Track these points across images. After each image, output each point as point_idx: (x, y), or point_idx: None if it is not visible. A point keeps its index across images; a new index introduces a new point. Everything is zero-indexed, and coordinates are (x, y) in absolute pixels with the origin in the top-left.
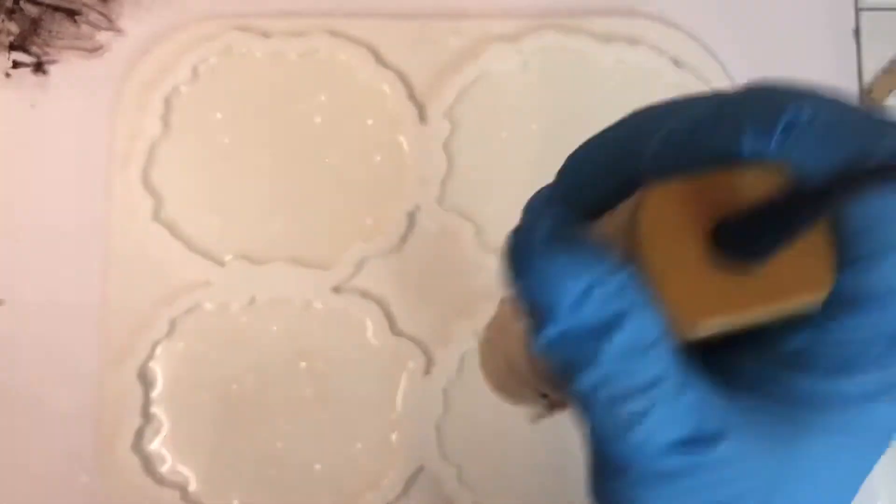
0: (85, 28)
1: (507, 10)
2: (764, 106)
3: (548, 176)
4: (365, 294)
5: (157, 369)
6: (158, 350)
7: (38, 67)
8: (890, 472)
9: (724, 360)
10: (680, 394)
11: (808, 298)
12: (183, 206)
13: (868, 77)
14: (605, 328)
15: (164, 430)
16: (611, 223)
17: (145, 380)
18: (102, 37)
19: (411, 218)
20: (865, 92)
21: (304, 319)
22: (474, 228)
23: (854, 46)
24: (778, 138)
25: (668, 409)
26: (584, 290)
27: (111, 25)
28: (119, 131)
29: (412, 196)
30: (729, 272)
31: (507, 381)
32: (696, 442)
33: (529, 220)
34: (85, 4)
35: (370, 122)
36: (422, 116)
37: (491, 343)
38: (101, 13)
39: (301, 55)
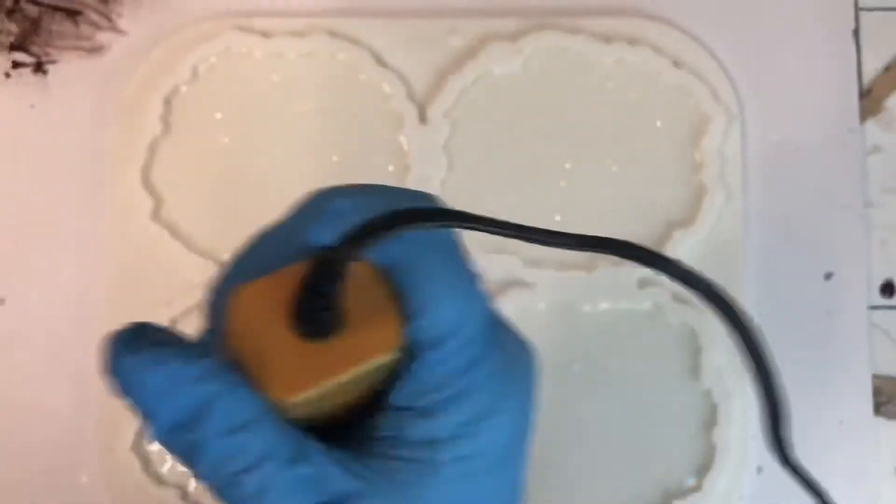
0: (85, 28)
1: (507, 10)
2: (317, 204)
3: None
4: None
5: None
6: None
7: (38, 67)
8: (890, 472)
9: (366, 427)
10: (294, 466)
11: (381, 355)
12: (183, 206)
13: (868, 77)
14: (198, 414)
15: None
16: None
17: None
18: (102, 37)
19: None
20: (865, 92)
21: None
22: None
23: (854, 46)
24: (331, 231)
25: (285, 481)
26: (167, 383)
27: (111, 25)
28: (119, 131)
29: None
30: (311, 347)
31: None
32: None
33: (111, 335)
34: (85, 5)
35: (370, 122)
36: (422, 116)
37: None
38: (101, 13)
39: (301, 55)
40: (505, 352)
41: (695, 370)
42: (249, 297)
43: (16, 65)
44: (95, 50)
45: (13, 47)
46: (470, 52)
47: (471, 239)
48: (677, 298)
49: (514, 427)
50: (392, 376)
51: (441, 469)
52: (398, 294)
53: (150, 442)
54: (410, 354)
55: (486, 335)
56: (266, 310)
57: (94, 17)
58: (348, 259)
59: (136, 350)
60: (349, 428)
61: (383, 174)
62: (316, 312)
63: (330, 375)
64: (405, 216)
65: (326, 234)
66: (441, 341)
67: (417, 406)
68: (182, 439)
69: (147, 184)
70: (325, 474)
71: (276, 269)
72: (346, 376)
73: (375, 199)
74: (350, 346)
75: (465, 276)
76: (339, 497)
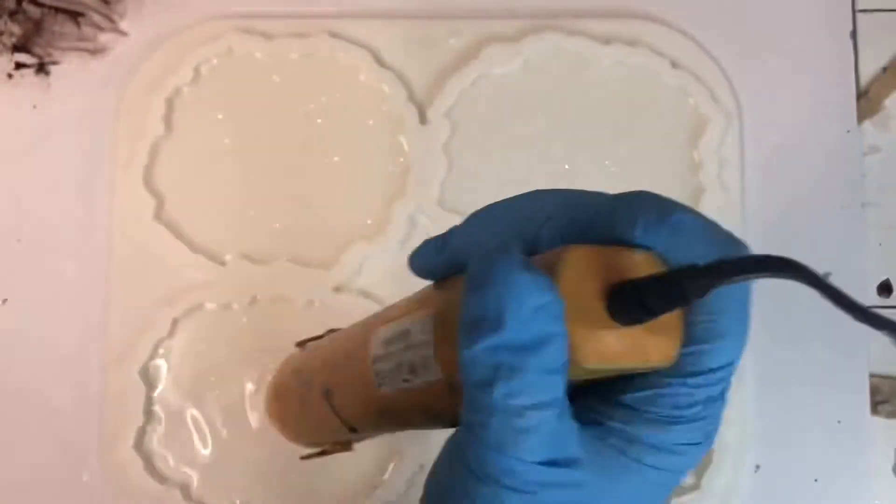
0: (87, 29)
1: (507, 10)
2: (656, 207)
3: (547, 176)
4: (366, 294)
5: (160, 368)
6: (160, 349)
7: (41, 68)
8: (888, 471)
9: (596, 409)
10: (560, 419)
11: (664, 362)
12: (184, 206)
13: (865, 79)
14: (539, 345)
15: (166, 429)
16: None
17: (147, 379)
18: (105, 38)
19: (412, 218)
20: (863, 93)
21: (305, 319)
22: None
23: (851, 48)
24: (664, 235)
25: (549, 429)
26: (538, 307)
27: (113, 27)
28: (121, 132)
29: (412, 196)
30: (615, 329)
31: (305, 418)
32: (560, 464)
33: (504, 246)
34: (87, 6)
35: (370, 122)
36: (422, 117)
37: (302, 375)
38: (103, 15)
39: (302, 56)
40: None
41: None
42: (583, 258)
43: (18, 66)
44: (97, 51)
45: (16, 48)
46: (470, 53)
47: None
48: None
49: (702, 457)
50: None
51: (642, 470)
52: (695, 314)
53: (463, 346)
54: (674, 369)
55: (731, 378)
56: (591, 277)
57: (97, 18)
58: (704, 292)
59: (530, 268)
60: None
61: (383, 174)
62: (637, 313)
63: (624, 360)
64: (778, 264)
65: (654, 239)
66: (710, 372)
67: (653, 413)
68: (505, 358)
69: (149, 184)
70: (570, 437)
71: (595, 241)
72: (629, 366)
73: (714, 229)
74: (645, 343)
75: (749, 321)
76: (567, 460)
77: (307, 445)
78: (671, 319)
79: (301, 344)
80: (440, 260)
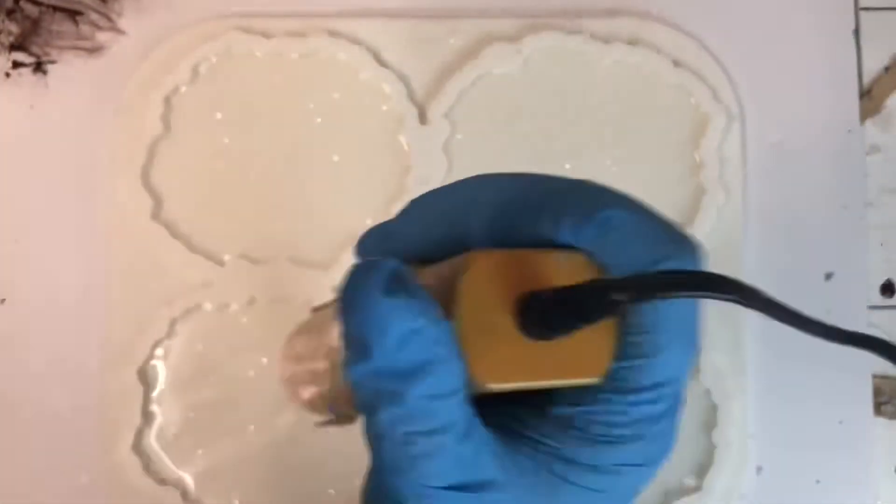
0: (85, 28)
1: (507, 10)
2: (583, 203)
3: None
4: None
5: (158, 369)
6: (159, 350)
7: (38, 67)
8: (890, 472)
9: (504, 409)
10: (463, 442)
11: (589, 378)
12: (183, 206)
13: (868, 77)
14: (416, 372)
15: (165, 430)
16: (432, 276)
17: (146, 380)
18: (103, 37)
19: None
20: (865, 92)
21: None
22: None
23: (854, 46)
24: (591, 234)
25: (449, 454)
26: (407, 334)
27: (111, 26)
28: (119, 131)
29: (412, 196)
30: (527, 341)
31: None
32: (470, 488)
33: (368, 261)
34: (85, 5)
35: (370, 122)
36: (422, 117)
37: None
38: (101, 13)
39: (301, 55)
40: (678, 414)
41: (694, 370)
42: (487, 266)
43: (16, 65)
44: (95, 50)
45: (13, 47)
46: (470, 53)
47: None
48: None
49: (650, 479)
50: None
51: (575, 491)
52: (629, 326)
53: (344, 373)
54: (609, 385)
55: (678, 395)
56: (498, 287)
57: (94, 17)
58: (629, 303)
59: (393, 292)
60: (499, 402)
61: (383, 174)
62: (557, 324)
63: (536, 378)
64: (717, 283)
65: (580, 239)
66: (650, 388)
67: (588, 431)
68: (383, 384)
69: (147, 184)
70: (480, 458)
71: (503, 241)
72: (549, 384)
73: (649, 226)
74: (564, 358)
75: (695, 337)
76: (482, 484)
77: (321, 412)
78: (600, 331)
79: (317, 309)
80: (381, 252)
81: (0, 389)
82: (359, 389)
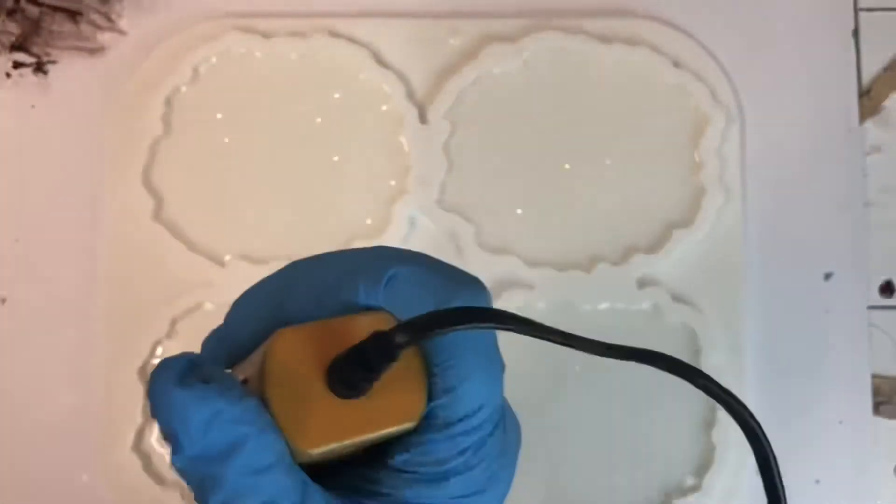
0: (86, 28)
1: (507, 10)
2: (375, 266)
3: (547, 176)
4: None
5: None
6: (159, 350)
7: (39, 68)
8: (889, 472)
9: (350, 471)
10: None
11: (404, 424)
12: (183, 206)
13: (867, 77)
14: (228, 452)
15: None
16: (249, 364)
17: (146, 379)
18: (103, 37)
19: (411, 218)
20: (864, 92)
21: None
22: (474, 228)
23: (853, 47)
24: (382, 292)
25: None
26: (208, 419)
27: (112, 26)
28: (119, 131)
29: (412, 196)
30: (340, 403)
31: None
32: None
33: (164, 359)
34: (86, 5)
35: (370, 122)
36: (422, 117)
37: None
38: (102, 14)
39: (301, 55)
40: (505, 433)
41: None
42: (292, 341)
43: (17, 65)
44: (96, 50)
45: (14, 47)
46: (470, 53)
47: (470, 237)
48: (677, 299)
49: (501, 501)
50: (398, 436)
51: None
52: (432, 366)
53: (170, 464)
54: (427, 424)
55: (495, 418)
56: (306, 357)
57: (95, 17)
58: (408, 345)
59: (187, 384)
60: (345, 467)
61: (383, 174)
62: (356, 380)
63: (353, 435)
64: (479, 315)
65: (376, 298)
66: (464, 419)
67: (421, 472)
68: (202, 470)
69: (148, 184)
70: None
71: (317, 315)
72: (367, 438)
73: (430, 275)
74: (377, 410)
75: (495, 361)
76: None
77: None
78: (409, 378)
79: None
80: (224, 350)
81: (0, 389)
82: (184, 479)
